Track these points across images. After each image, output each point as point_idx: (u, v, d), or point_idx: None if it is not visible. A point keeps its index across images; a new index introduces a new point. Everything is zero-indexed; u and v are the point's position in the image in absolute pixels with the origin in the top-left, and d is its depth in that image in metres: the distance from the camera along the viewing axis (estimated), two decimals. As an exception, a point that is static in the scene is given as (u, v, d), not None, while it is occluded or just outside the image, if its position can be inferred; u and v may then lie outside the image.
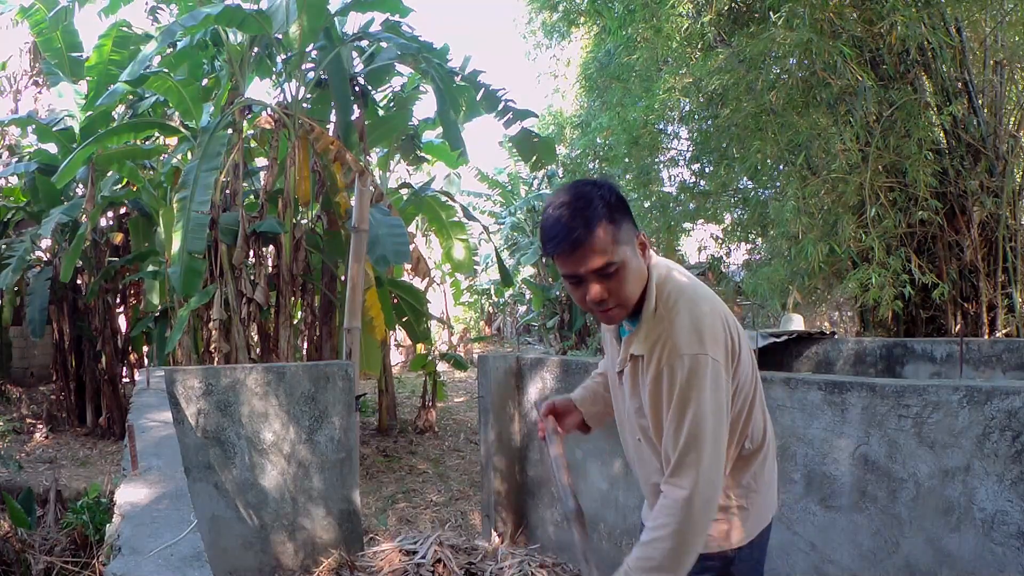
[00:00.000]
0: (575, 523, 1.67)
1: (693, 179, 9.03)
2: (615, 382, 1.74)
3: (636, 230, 1.56)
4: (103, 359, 9.09)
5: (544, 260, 15.66)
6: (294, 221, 7.50)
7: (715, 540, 1.66)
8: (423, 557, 3.75)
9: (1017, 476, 2.24)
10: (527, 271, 16.89)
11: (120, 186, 8.97)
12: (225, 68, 7.67)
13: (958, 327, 6.10)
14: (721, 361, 1.50)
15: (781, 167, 7.13)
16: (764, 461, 1.71)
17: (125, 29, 7.94)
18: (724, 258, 10.58)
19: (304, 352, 8.89)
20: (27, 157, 9.56)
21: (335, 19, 7.95)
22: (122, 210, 9.53)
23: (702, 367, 1.47)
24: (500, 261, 9.96)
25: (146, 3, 8.49)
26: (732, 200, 8.63)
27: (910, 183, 5.88)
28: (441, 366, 9.87)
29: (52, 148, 8.72)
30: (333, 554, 4.15)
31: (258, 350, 7.91)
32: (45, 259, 9.56)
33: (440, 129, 8.26)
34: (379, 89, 8.87)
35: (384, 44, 7.89)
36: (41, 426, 9.03)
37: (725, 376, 1.52)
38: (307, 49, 7.39)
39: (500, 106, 8.03)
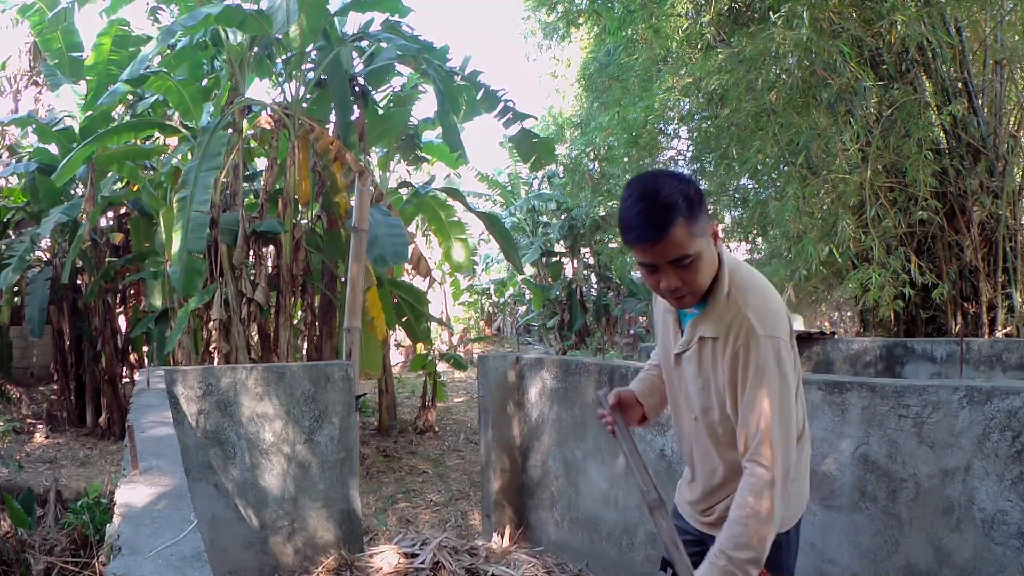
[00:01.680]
0: (658, 513, 1.67)
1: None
2: (671, 365, 1.80)
3: (711, 221, 1.63)
4: (103, 359, 9.09)
5: (544, 260, 15.66)
6: (294, 221, 7.50)
7: None
8: (423, 562, 3.75)
9: (1017, 476, 2.24)
10: (527, 271, 16.88)
11: (120, 186, 8.97)
12: (225, 68, 7.67)
13: (958, 327, 6.10)
14: (791, 346, 1.61)
15: (781, 167, 7.13)
16: (803, 449, 1.78)
17: (124, 28, 7.94)
18: (724, 258, 10.56)
19: (304, 352, 8.89)
20: (27, 157, 9.56)
21: (335, 19, 7.95)
22: (122, 210, 9.53)
23: (779, 350, 1.57)
24: (507, 253, 9.91)
25: (146, 3, 8.49)
26: (732, 200, 8.63)
27: (910, 183, 5.88)
28: (441, 366, 9.88)
29: (52, 148, 8.72)
30: (333, 554, 4.15)
31: (258, 350, 7.91)
32: (45, 259, 9.56)
33: (440, 129, 8.26)
34: (379, 89, 8.87)
35: (384, 44, 7.89)
36: (41, 426, 9.02)
37: (792, 365, 1.61)
38: (307, 49, 7.39)
39: (500, 106, 8.03)
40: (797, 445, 1.69)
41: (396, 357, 15.13)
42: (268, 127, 7.77)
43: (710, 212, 1.71)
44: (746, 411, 1.57)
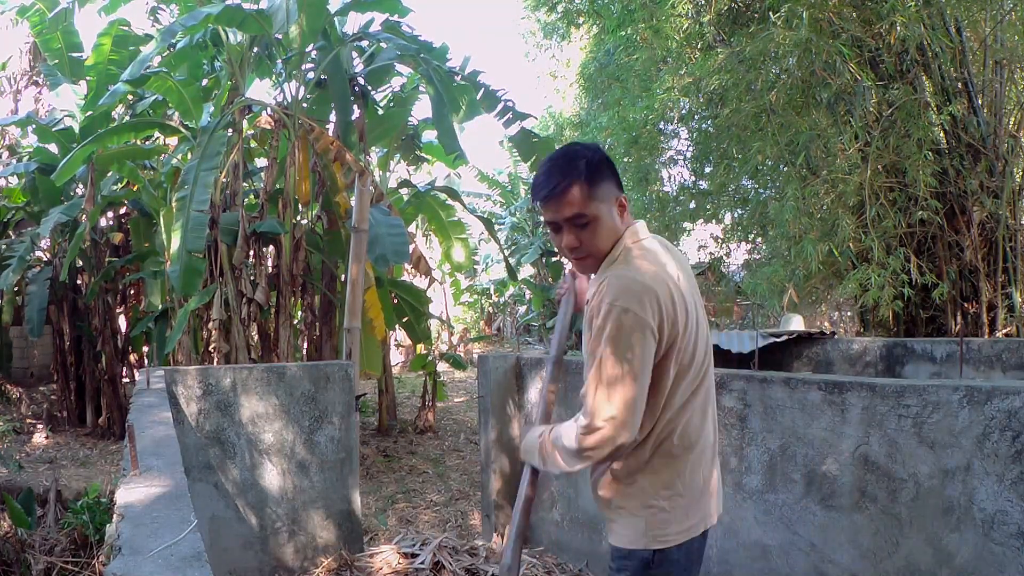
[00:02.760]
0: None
1: (693, 179, 9.03)
2: None
3: (619, 192, 1.73)
4: (103, 359, 9.09)
5: (544, 260, 15.67)
6: (294, 221, 7.50)
7: (628, 536, 1.74)
8: (423, 562, 3.75)
9: (1017, 476, 2.24)
10: (527, 271, 16.88)
11: (120, 186, 8.97)
12: (225, 68, 7.67)
13: (958, 327, 6.10)
14: (649, 325, 1.58)
15: (781, 167, 7.13)
16: (695, 467, 1.74)
17: (124, 28, 7.93)
18: (724, 258, 10.58)
19: (304, 352, 8.89)
20: (27, 157, 9.56)
21: (335, 19, 7.95)
22: (122, 210, 9.53)
23: (623, 321, 1.57)
24: (506, 258, 9.94)
25: (147, 3, 8.49)
26: (732, 200, 8.63)
27: (910, 183, 5.88)
28: (441, 366, 9.88)
29: (52, 148, 8.72)
30: (333, 554, 4.15)
31: (258, 350, 7.91)
32: (45, 259, 9.56)
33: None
34: (379, 89, 8.87)
35: (384, 44, 7.89)
36: (41, 426, 9.02)
37: (648, 341, 1.59)
38: (307, 49, 7.39)
39: (500, 106, 8.02)
40: (686, 460, 1.72)
41: (396, 357, 15.13)
42: (268, 127, 7.77)
43: (622, 184, 1.77)
44: (585, 369, 1.66)
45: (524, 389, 4.54)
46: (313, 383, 4.24)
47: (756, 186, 8.13)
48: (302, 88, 7.70)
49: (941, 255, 6.24)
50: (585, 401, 1.62)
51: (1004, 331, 6.06)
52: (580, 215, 1.65)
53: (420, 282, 9.51)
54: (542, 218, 1.77)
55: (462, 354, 14.67)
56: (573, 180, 1.64)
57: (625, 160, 8.26)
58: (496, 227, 16.15)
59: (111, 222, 9.65)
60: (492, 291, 19.57)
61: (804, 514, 2.86)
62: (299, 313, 9.10)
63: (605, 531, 1.74)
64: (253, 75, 8.10)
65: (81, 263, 9.17)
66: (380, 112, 8.75)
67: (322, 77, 7.76)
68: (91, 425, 9.17)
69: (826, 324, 11.35)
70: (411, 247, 7.28)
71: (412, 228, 11.04)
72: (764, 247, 8.96)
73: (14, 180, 10.08)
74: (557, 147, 1.79)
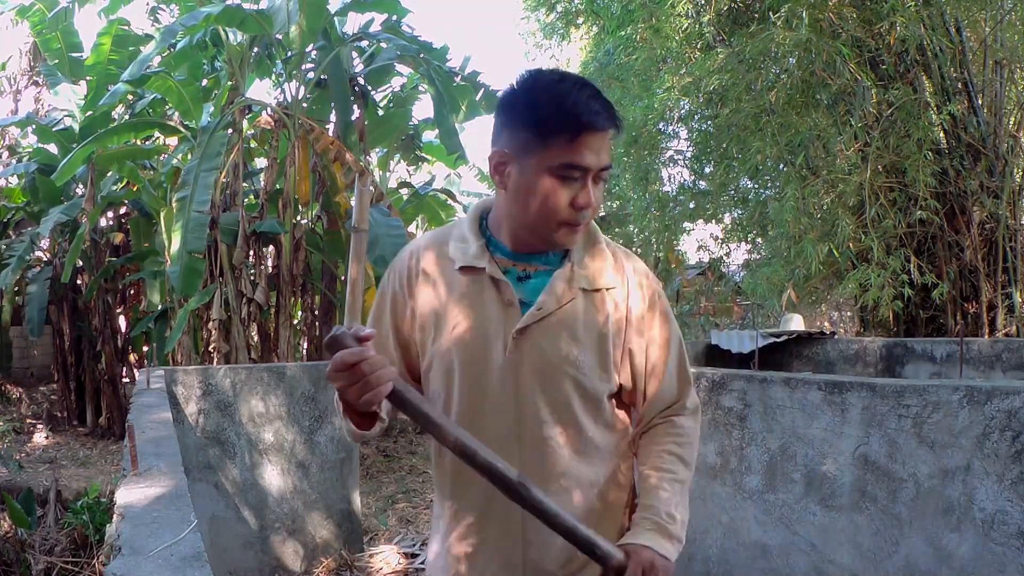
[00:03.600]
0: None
1: (693, 179, 9.03)
2: (492, 353, 1.29)
3: None
4: (103, 359, 9.09)
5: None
6: (294, 221, 7.50)
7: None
8: (423, 562, 3.75)
9: (1017, 476, 2.24)
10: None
11: (120, 186, 8.97)
12: (225, 68, 7.67)
13: (958, 327, 6.10)
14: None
15: (781, 167, 7.13)
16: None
17: (124, 28, 7.94)
18: (724, 258, 10.57)
19: (304, 352, 8.89)
20: (27, 157, 9.56)
21: (335, 19, 7.95)
22: (122, 210, 9.53)
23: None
24: None
25: (147, 3, 8.49)
26: (732, 200, 8.63)
27: (910, 183, 5.88)
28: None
29: (52, 148, 8.72)
30: (333, 554, 4.15)
31: (258, 350, 7.91)
32: (45, 259, 9.56)
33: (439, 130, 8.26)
34: (379, 89, 8.87)
35: (384, 44, 7.89)
36: (41, 426, 9.02)
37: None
38: (307, 49, 7.39)
39: (500, 106, 8.02)
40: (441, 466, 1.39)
41: (396, 357, 15.11)
42: (268, 127, 7.77)
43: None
44: (662, 354, 1.38)
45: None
46: (313, 383, 4.24)
47: (756, 186, 8.13)
48: (302, 88, 7.70)
49: (941, 255, 6.24)
50: (687, 384, 1.41)
51: (1004, 331, 6.06)
52: (609, 167, 1.25)
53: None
54: (558, 160, 1.19)
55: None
56: (618, 123, 1.23)
57: (625, 160, 8.26)
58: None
59: (111, 222, 9.65)
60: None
61: (804, 514, 2.86)
62: (299, 313, 9.10)
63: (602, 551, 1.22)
64: (253, 75, 8.10)
65: (81, 263, 9.18)
66: (380, 112, 8.76)
67: (322, 77, 7.76)
68: (91, 425, 9.17)
69: (826, 324, 11.35)
70: (411, 247, 7.26)
71: (412, 228, 11.04)
72: (764, 247, 8.95)
73: (14, 180, 10.08)
74: (566, 73, 1.29)
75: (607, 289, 1.33)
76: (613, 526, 1.35)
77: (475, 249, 1.31)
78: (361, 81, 8.15)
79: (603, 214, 13.15)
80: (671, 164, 9.18)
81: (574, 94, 1.19)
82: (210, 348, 7.10)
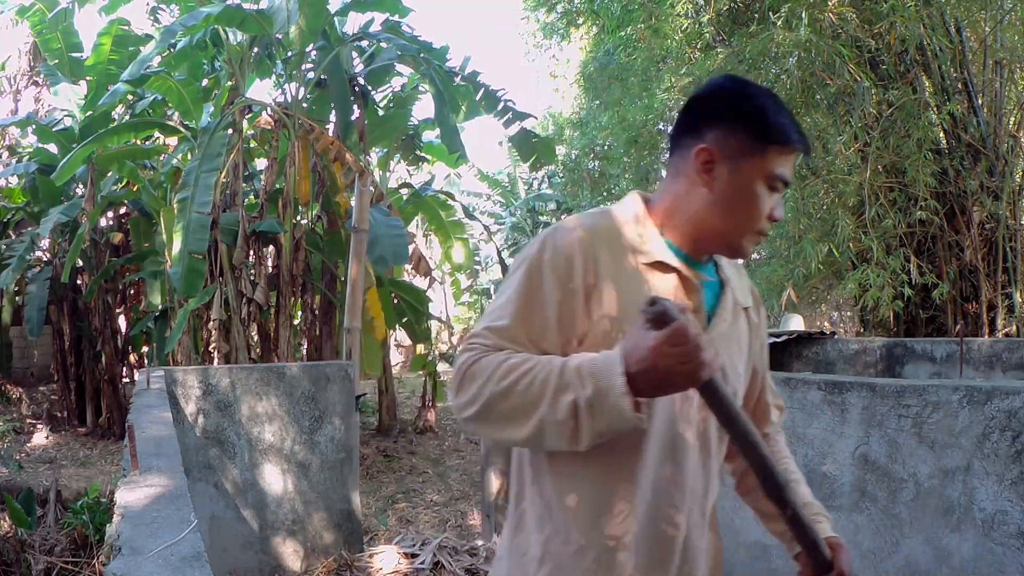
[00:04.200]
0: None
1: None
2: None
3: None
4: (103, 359, 9.09)
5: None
6: (294, 221, 7.50)
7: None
8: (423, 562, 3.75)
9: (1017, 476, 2.24)
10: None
11: (120, 186, 8.98)
12: (225, 68, 7.67)
13: (958, 327, 6.10)
14: None
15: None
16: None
17: (124, 28, 7.94)
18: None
19: (304, 352, 8.89)
20: (27, 157, 9.56)
21: (335, 19, 7.95)
22: (122, 210, 9.53)
23: None
24: (502, 261, 9.97)
25: (147, 3, 8.50)
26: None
27: (910, 183, 5.88)
28: (441, 366, 9.89)
29: (52, 148, 8.73)
30: (333, 554, 4.15)
31: (258, 350, 7.91)
32: (45, 259, 9.56)
33: (440, 129, 8.27)
34: (379, 89, 8.87)
35: (384, 44, 7.89)
36: (41, 426, 9.02)
37: None
38: (307, 49, 7.40)
39: (500, 106, 8.03)
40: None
41: (396, 357, 15.13)
42: (268, 127, 7.77)
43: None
44: (768, 377, 1.45)
45: (524, 389, 4.54)
46: (313, 383, 4.24)
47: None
48: (302, 88, 7.70)
49: (941, 255, 6.24)
50: (782, 405, 1.51)
51: (1004, 331, 6.06)
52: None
53: (420, 282, 9.52)
54: (774, 169, 1.16)
55: (462, 354, 14.63)
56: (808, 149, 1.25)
57: (625, 160, 8.27)
58: (496, 227, 16.21)
59: (111, 222, 9.65)
60: (492, 291, 19.56)
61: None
62: (299, 313, 9.10)
63: None
64: (253, 75, 8.10)
65: (81, 263, 9.18)
66: (380, 112, 8.76)
67: (322, 77, 7.76)
68: (91, 425, 9.17)
69: (826, 324, 11.35)
70: (411, 248, 7.28)
71: (412, 228, 11.05)
72: (763, 247, 8.96)
73: (14, 180, 10.08)
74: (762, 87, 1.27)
75: (746, 308, 1.33)
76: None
77: (659, 247, 1.20)
78: (361, 81, 8.15)
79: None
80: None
81: (785, 109, 1.19)
82: (210, 348, 7.10)
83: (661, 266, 1.19)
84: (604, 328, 1.16)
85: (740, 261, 1.34)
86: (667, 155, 1.28)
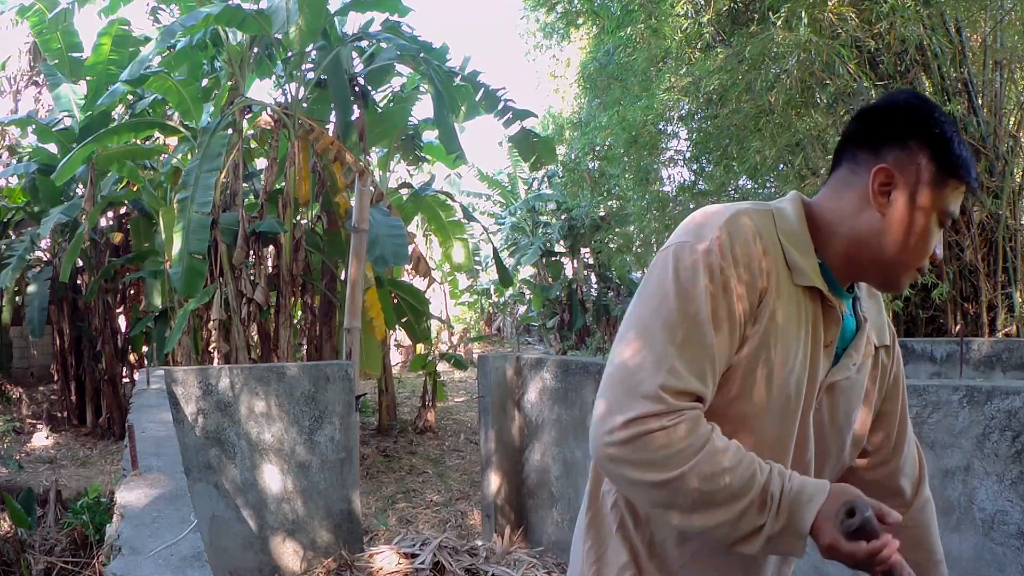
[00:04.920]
0: None
1: (693, 179, 9.03)
2: (800, 402, 1.11)
3: None
4: (103, 359, 9.10)
5: (544, 260, 15.61)
6: (294, 221, 7.50)
7: None
8: (423, 562, 3.75)
9: (1017, 476, 2.24)
10: (527, 271, 16.87)
11: (120, 186, 8.99)
12: (225, 68, 7.68)
13: (958, 327, 6.10)
14: None
15: (780, 167, 7.13)
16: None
17: (124, 28, 7.94)
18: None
19: (304, 352, 8.89)
20: (27, 157, 9.57)
21: (335, 19, 7.95)
22: (122, 210, 9.53)
23: None
24: (499, 262, 9.97)
25: (147, 3, 8.50)
26: (732, 200, 8.62)
27: (910, 183, 5.87)
28: (441, 366, 9.89)
29: (52, 148, 8.73)
30: (333, 554, 4.15)
31: (258, 350, 7.91)
32: (45, 259, 9.56)
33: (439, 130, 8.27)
34: (379, 89, 8.88)
35: (384, 44, 7.90)
36: (41, 426, 9.03)
37: None
38: (307, 49, 7.40)
39: (500, 106, 8.03)
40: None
41: (396, 357, 15.13)
42: (268, 127, 7.77)
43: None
44: (910, 426, 1.32)
45: (524, 389, 4.54)
46: (313, 383, 4.24)
47: (756, 186, 8.13)
48: (302, 88, 7.70)
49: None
50: (924, 467, 1.37)
51: (1004, 331, 6.06)
52: None
53: (420, 282, 9.52)
54: (949, 205, 1.08)
55: (462, 354, 14.68)
56: None
57: (625, 160, 8.26)
58: (496, 227, 16.21)
59: (111, 222, 9.65)
60: (492, 291, 19.57)
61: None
62: (299, 313, 9.11)
63: None
64: (253, 75, 8.10)
65: (81, 263, 9.18)
66: (380, 112, 8.76)
67: (322, 77, 7.77)
68: (91, 425, 9.17)
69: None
70: (411, 248, 7.28)
71: (412, 228, 11.05)
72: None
73: (14, 180, 10.09)
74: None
75: (885, 347, 1.22)
76: None
77: (812, 267, 1.09)
78: (361, 81, 8.16)
79: (603, 214, 13.16)
80: (671, 164, 9.19)
81: (965, 145, 1.09)
82: (210, 348, 7.11)
83: (812, 290, 1.09)
84: (751, 351, 1.05)
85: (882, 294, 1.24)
86: (833, 161, 1.16)
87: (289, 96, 7.63)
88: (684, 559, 1.14)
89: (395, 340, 14.73)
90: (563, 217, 14.89)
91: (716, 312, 1.00)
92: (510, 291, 17.29)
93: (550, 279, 15.94)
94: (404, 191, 9.96)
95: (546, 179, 15.42)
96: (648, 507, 1.08)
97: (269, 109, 7.66)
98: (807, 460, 1.14)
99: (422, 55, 7.27)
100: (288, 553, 4.13)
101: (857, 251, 1.10)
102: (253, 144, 8.42)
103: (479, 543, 4.20)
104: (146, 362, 9.50)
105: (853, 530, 0.96)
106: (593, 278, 16.37)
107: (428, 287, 9.32)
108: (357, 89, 8.06)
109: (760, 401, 1.07)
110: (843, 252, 1.11)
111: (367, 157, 8.44)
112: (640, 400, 0.98)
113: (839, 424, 1.16)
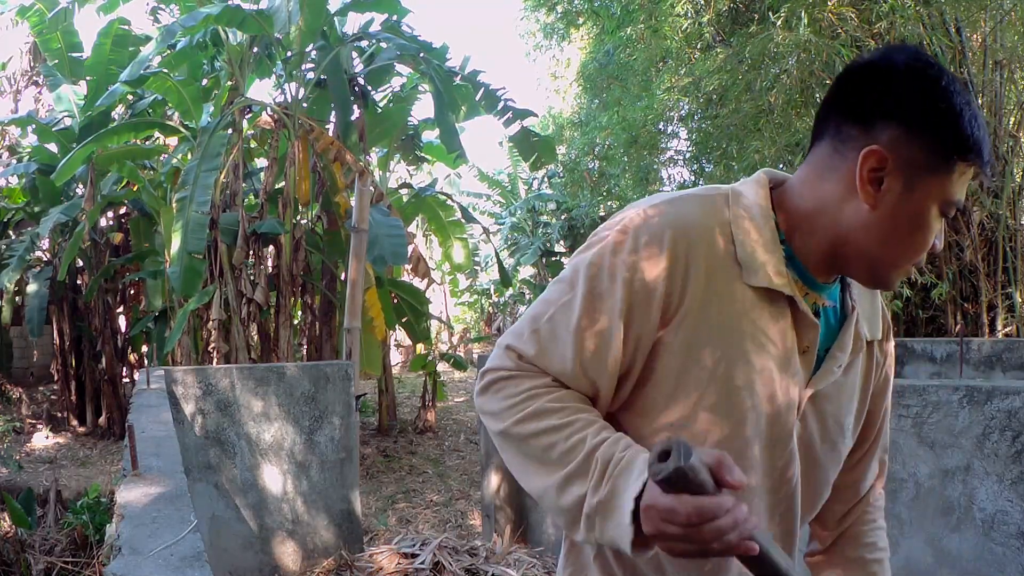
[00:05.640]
0: None
1: (693, 179, 9.03)
2: (785, 411, 0.97)
3: None
4: (103, 359, 9.10)
5: (544, 260, 15.62)
6: (294, 221, 7.50)
7: None
8: (423, 562, 3.75)
9: (1017, 476, 2.24)
10: (527, 271, 16.87)
11: (120, 186, 8.99)
12: (225, 68, 7.68)
13: (958, 327, 6.10)
14: None
15: (780, 167, 7.14)
16: None
17: (124, 28, 7.95)
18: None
19: (304, 352, 8.90)
20: (27, 157, 9.57)
21: (335, 19, 7.96)
22: (122, 210, 9.54)
23: None
24: (500, 262, 9.98)
25: (147, 3, 8.51)
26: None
27: (910, 183, 5.87)
28: (441, 366, 9.90)
29: (52, 148, 8.73)
30: (333, 554, 4.16)
31: (258, 350, 7.92)
32: (45, 259, 9.57)
33: (439, 130, 8.27)
34: (379, 89, 8.88)
35: (384, 44, 7.90)
36: (41, 426, 9.03)
37: None
38: (307, 49, 7.40)
39: (500, 105, 8.03)
40: None
41: (396, 357, 15.13)
42: (268, 127, 7.77)
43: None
44: (885, 428, 1.14)
45: (524, 389, 4.54)
46: (313, 383, 4.24)
47: (756, 186, 8.13)
48: (302, 88, 7.70)
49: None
50: (885, 467, 1.18)
51: (1004, 331, 6.06)
52: None
53: (419, 282, 9.53)
54: (954, 193, 0.90)
55: (462, 354, 14.69)
56: None
57: (625, 160, 8.26)
58: (496, 227, 16.21)
59: (111, 222, 9.65)
60: (492, 291, 19.57)
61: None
62: (299, 313, 9.11)
63: None
64: (253, 75, 8.10)
65: (81, 263, 9.18)
66: (380, 112, 8.77)
67: (322, 77, 7.77)
68: (91, 425, 9.17)
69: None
70: (410, 248, 7.29)
71: (412, 228, 11.05)
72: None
73: (14, 180, 10.09)
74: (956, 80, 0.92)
75: (877, 341, 1.08)
76: None
77: (774, 263, 0.93)
78: (361, 81, 8.16)
79: (603, 214, 13.17)
80: (671, 164, 9.19)
81: (981, 117, 0.90)
82: (210, 348, 7.11)
83: (770, 292, 0.93)
84: (679, 347, 0.93)
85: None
86: (814, 132, 0.97)
87: (289, 96, 7.63)
88: None
89: (395, 340, 14.73)
90: (563, 217, 14.90)
91: (595, 303, 0.92)
92: (510, 291, 17.29)
93: (550, 279, 15.94)
94: (404, 191, 9.96)
95: (546, 179, 15.43)
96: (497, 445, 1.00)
97: (269, 109, 7.66)
98: (789, 476, 0.99)
99: (422, 55, 7.28)
100: (288, 553, 4.13)
101: (840, 245, 0.94)
102: (253, 144, 8.42)
103: (479, 543, 4.20)
104: (146, 362, 9.50)
105: (669, 479, 0.73)
106: (593, 278, 16.34)
107: (428, 287, 9.33)
108: (357, 89, 8.07)
109: (698, 420, 0.94)
110: (823, 247, 0.95)
111: (367, 157, 8.44)
112: (501, 354, 0.98)
113: (831, 435, 1.02)
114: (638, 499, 0.80)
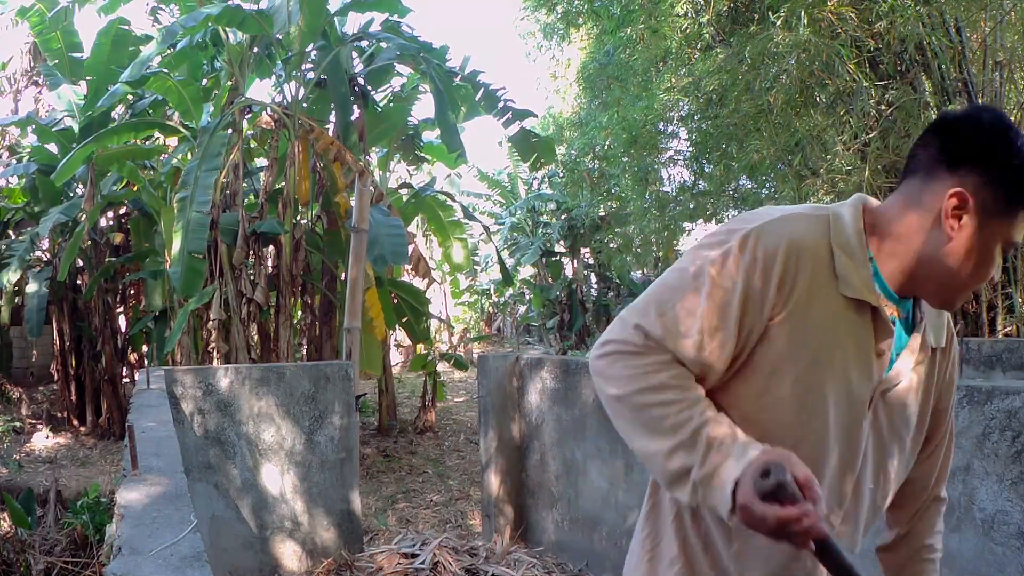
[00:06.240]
0: None
1: (692, 179, 9.04)
2: (856, 410, 1.14)
3: None
4: (103, 359, 9.10)
5: (544, 260, 15.62)
6: (294, 221, 7.50)
7: None
8: (423, 562, 3.75)
9: (1017, 476, 2.24)
10: (527, 271, 16.87)
11: (120, 186, 8.99)
12: (225, 68, 7.68)
13: (958, 327, 6.10)
14: None
15: (780, 167, 7.14)
16: None
17: (124, 28, 7.94)
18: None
19: (304, 352, 8.89)
20: (27, 157, 9.57)
21: (335, 19, 7.95)
22: (122, 210, 9.54)
23: None
24: (501, 261, 9.98)
25: (147, 3, 8.51)
26: (731, 200, 8.63)
27: (910, 183, 5.87)
28: (441, 366, 9.90)
29: (52, 148, 8.73)
30: (333, 554, 4.16)
31: (258, 350, 7.92)
32: (45, 259, 9.57)
33: (439, 130, 8.27)
34: (379, 89, 8.88)
35: (384, 44, 7.90)
36: (41, 426, 9.03)
37: None
38: (307, 49, 7.40)
39: (499, 106, 8.03)
40: None
41: (396, 357, 15.13)
42: (268, 127, 7.77)
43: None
44: (951, 427, 1.33)
45: (524, 389, 4.54)
46: (313, 383, 4.24)
47: (755, 186, 8.13)
48: (302, 88, 7.70)
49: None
50: (947, 468, 1.40)
51: (1004, 331, 6.06)
52: None
53: (419, 282, 9.53)
54: (1015, 235, 1.10)
55: (462, 354, 14.69)
56: None
57: (625, 160, 8.26)
58: (496, 227, 16.21)
59: (111, 222, 9.65)
60: (492, 291, 19.58)
61: (804, 514, 2.86)
62: (299, 313, 9.11)
63: None
64: (253, 75, 8.10)
65: (81, 263, 9.18)
66: (380, 112, 8.77)
67: (322, 77, 7.77)
68: (91, 425, 9.17)
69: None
70: (410, 248, 7.29)
71: (412, 228, 11.05)
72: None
73: (14, 180, 10.09)
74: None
75: (941, 348, 1.23)
76: None
77: (862, 277, 1.10)
78: (361, 81, 8.16)
79: (603, 214, 13.17)
80: (671, 164, 9.19)
81: None
82: (210, 348, 7.11)
83: (859, 302, 1.11)
84: (773, 350, 1.10)
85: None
86: (906, 168, 1.18)
87: (289, 96, 7.63)
88: (731, 553, 1.18)
89: (395, 340, 14.73)
90: (563, 217, 14.89)
91: (718, 297, 1.07)
92: (510, 291, 17.30)
93: (550, 279, 15.94)
94: (404, 191, 9.96)
95: (546, 179, 15.42)
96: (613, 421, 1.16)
97: (269, 109, 7.66)
98: (856, 466, 1.16)
99: (422, 55, 7.28)
100: (288, 553, 4.13)
101: (917, 268, 1.11)
102: (253, 144, 8.42)
103: (479, 543, 4.20)
104: (146, 362, 9.50)
105: (768, 492, 0.95)
106: (593, 278, 16.38)
107: (428, 287, 9.32)
108: (357, 89, 8.06)
109: (787, 402, 1.11)
110: (904, 268, 1.12)
111: (367, 157, 8.44)
112: (627, 329, 1.11)
113: (898, 429, 1.19)
114: (736, 481, 0.99)
